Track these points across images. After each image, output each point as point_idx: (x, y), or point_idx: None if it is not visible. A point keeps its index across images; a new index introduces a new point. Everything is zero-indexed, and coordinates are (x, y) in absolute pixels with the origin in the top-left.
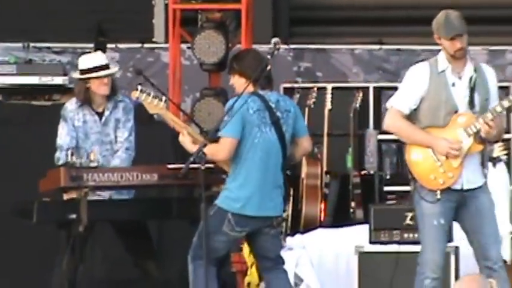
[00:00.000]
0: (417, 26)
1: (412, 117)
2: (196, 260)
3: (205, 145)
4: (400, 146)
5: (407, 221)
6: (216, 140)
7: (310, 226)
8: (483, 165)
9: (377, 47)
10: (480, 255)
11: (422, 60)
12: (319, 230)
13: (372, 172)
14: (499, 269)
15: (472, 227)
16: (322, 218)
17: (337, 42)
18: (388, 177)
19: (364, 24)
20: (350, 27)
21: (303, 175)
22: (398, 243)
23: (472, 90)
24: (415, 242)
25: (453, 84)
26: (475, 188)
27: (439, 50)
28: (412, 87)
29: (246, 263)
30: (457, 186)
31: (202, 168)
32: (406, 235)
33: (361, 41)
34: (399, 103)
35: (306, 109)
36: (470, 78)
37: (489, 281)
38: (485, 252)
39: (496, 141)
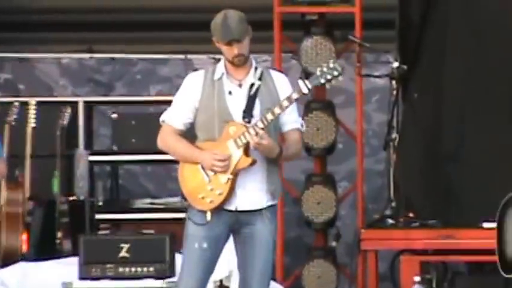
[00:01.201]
0: (133, 31)
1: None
2: None
3: None
4: (115, 168)
5: (123, 253)
6: None
7: (10, 259)
8: (270, 183)
9: (87, 55)
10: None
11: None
12: (21, 264)
13: (82, 198)
14: None
15: (242, 255)
16: (24, 250)
17: (40, 50)
18: (100, 203)
19: (72, 29)
20: (55, 33)
21: (2, 202)
22: (112, 278)
23: (252, 98)
24: (132, 277)
25: (230, 93)
26: (253, 211)
27: (162, 60)
28: (184, 98)
29: None
30: (230, 207)
31: None
32: (121, 269)
33: (68, 49)
34: (171, 118)
35: (6, 127)
36: (251, 86)
37: None
38: (246, 286)
39: (276, 158)
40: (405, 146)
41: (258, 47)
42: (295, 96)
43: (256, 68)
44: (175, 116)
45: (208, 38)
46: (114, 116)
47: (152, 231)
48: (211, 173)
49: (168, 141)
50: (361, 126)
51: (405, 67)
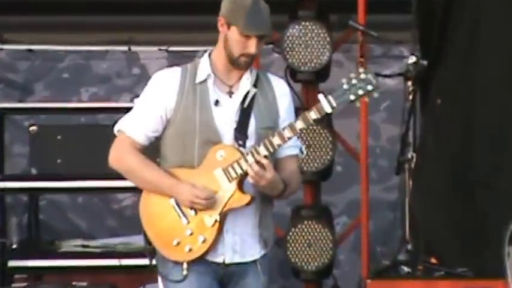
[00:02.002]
0: (58, 15)
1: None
2: None
3: None
4: (34, 199)
5: None
6: None
7: None
8: (264, 227)
9: None
10: None
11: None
12: None
13: None
14: None
15: None
16: None
17: None
18: (14, 246)
19: None
20: None
21: None
22: None
23: (246, 112)
24: None
25: (216, 103)
26: (244, 263)
27: (97, 53)
28: (151, 104)
29: None
30: (217, 259)
31: None
32: None
33: None
34: (131, 128)
35: None
36: (246, 96)
37: None
38: None
39: (278, 197)
40: (425, 169)
41: None
42: (313, 116)
43: (251, 70)
44: (138, 126)
45: (159, 24)
46: (33, 128)
47: (85, 284)
48: (190, 212)
49: (128, 160)
50: (366, 143)
51: (425, 63)
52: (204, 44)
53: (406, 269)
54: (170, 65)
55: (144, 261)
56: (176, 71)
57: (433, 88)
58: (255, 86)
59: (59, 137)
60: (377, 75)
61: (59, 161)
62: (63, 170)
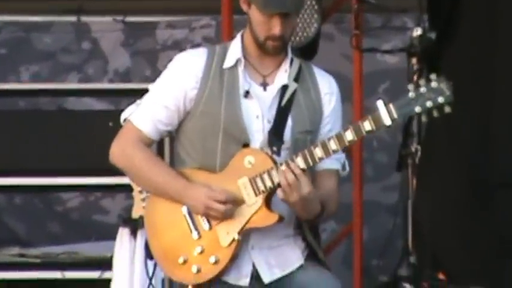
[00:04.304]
0: None
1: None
2: None
3: None
4: None
5: None
6: None
7: None
8: (304, 239)
9: None
10: None
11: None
12: None
13: None
14: None
15: None
16: None
17: None
18: None
19: None
20: None
21: None
22: None
23: (284, 112)
24: None
25: (246, 94)
26: (285, 276)
27: (40, 24)
28: (167, 91)
29: None
30: (241, 282)
31: None
32: None
33: None
34: (140, 118)
35: None
36: (283, 90)
37: None
38: None
39: (313, 221)
40: (432, 165)
41: (196, 4)
42: (367, 127)
43: (292, 61)
44: (149, 117)
45: None
46: None
47: None
48: (204, 225)
49: (133, 155)
50: None
51: (433, 36)
52: (167, 13)
53: (408, 286)
54: (127, 38)
55: (92, 274)
56: (202, 52)
57: (443, 67)
58: (296, 80)
59: None
60: (375, 50)
61: None
62: None
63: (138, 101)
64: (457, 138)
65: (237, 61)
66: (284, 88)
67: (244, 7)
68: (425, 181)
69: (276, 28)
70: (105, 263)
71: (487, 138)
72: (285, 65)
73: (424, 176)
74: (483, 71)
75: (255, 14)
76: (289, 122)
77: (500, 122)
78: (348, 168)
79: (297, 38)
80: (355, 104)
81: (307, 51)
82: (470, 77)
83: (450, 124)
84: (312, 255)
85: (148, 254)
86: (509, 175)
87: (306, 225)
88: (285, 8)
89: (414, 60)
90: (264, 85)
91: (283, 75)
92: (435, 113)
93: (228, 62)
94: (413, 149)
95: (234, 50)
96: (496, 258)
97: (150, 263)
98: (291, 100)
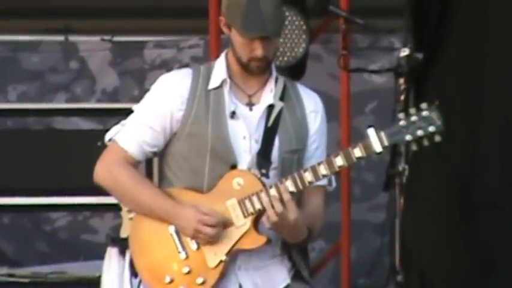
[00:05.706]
0: None
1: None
2: None
3: None
4: None
5: None
6: None
7: None
8: (291, 258)
9: None
10: None
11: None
12: None
13: None
14: None
15: None
16: None
17: None
18: None
19: None
20: None
21: None
22: None
23: (271, 132)
24: None
25: (233, 115)
26: None
27: (27, 43)
28: (153, 113)
29: None
30: None
31: None
32: None
33: None
34: (125, 138)
35: None
36: (270, 110)
37: None
38: None
39: (300, 245)
40: (420, 185)
41: (184, 23)
42: (357, 153)
43: (277, 79)
44: (134, 137)
45: (100, 9)
46: None
47: None
48: (191, 245)
49: (118, 175)
50: None
51: (420, 57)
52: (155, 33)
53: None
54: (115, 58)
55: None
56: (187, 74)
57: (429, 87)
58: (281, 99)
59: None
60: (363, 70)
61: None
62: None
63: (123, 121)
64: (444, 158)
65: (223, 82)
66: (270, 108)
67: (225, 30)
68: (412, 200)
69: (258, 50)
70: (94, 283)
71: (474, 158)
72: (270, 84)
73: (412, 195)
74: (470, 90)
75: (236, 37)
76: (276, 142)
77: (488, 141)
78: (334, 183)
79: (285, 58)
80: (343, 123)
81: (295, 71)
82: (458, 96)
83: (438, 144)
84: (298, 275)
85: (134, 272)
86: (496, 195)
87: (293, 245)
88: (264, 32)
89: (401, 80)
90: (250, 105)
91: (268, 95)
92: (425, 142)
93: (214, 83)
94: (400, 169)
95: (219, 70)
96: (480, 277)
97: (135, 281)
98: (277, 120)
